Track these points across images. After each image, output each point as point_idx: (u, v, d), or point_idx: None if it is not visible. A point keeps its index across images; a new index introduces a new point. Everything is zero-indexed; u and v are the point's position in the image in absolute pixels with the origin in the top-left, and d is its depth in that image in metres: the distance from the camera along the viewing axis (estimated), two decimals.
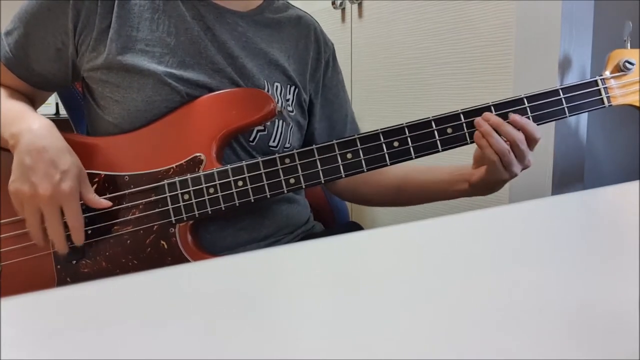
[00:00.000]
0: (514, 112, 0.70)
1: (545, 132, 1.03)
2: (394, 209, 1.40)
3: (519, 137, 0.68)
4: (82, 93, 0.79)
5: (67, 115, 0.98)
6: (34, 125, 0.66)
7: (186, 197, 0.69)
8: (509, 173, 0.70)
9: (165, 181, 0.69)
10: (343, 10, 1.49)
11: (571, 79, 1.01)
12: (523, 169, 0.70)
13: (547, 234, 0.35)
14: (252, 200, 0.69)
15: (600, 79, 0.72)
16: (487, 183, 0.74)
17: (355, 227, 0.92)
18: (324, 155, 0.70)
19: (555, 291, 0.25)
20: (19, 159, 0.63)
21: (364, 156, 0.70)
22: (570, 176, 1.06)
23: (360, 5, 1.43)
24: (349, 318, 0.23)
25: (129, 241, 0.69)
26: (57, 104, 2.13)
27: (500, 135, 0.68)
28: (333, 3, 1.48)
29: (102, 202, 0.68)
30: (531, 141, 0.69)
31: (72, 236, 0.65)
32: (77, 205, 0.65)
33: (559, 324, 0.21)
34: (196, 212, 0.69)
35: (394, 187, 0.86)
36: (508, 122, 0.68)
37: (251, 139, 0.76)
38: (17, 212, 0.65)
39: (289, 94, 0.82)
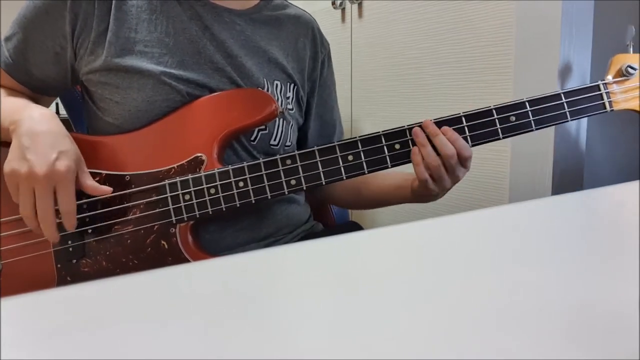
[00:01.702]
0: (516, 115, 0.70)
1: (545, 133, 1.03)
2: (394, 209, 1.40)
3: (451, 151, 0.68)
4: (81, 95, 0.79)
5: (67, 115, 0.98)
6: (35, 113, 0.66)
7: (187, 197, 0.69)
8: (440, 187, 0.71)
9: (167, 181, 0.69)
10: (343, 10, 1.49)
11: (571, 79, 1.02)
12: (454, 183, 0.71)
13: (547, 234, 0.35)
14: (253, 201, 0.69)
15: (603, 84, 0.72)
16: (421, 194, 0.75)
17: (355, 227, 0.92)
18: (326, 157, 0.70)
19: (555, 291, 0.25)
20: (18, 141, 0.63)
21: (365, 158, 0.70)
22: (570, 177, 1.06)
23: (360, 5, 1.43)
24: (348, 318, 0.23)
25: (129, 241, 0.69)
26: (57, 104, 2.12)
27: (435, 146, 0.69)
28: (333, 3, 1.48)
29: (102, 188, 0.67)
30: (461, 158, 0.69)
31: (64, 220, 0.63)
32: (72, 188, 0.63)
33: (559, 324, 0.21)
34: (197, 213, 0.69)
35: (355, 188, 0.88)
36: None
37: (252, 138, 0.76)
38: (12, 197, 0.64)
39: (289, 91, 0.82)
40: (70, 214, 0.63)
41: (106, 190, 0.67)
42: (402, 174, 0.80)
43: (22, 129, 0.64)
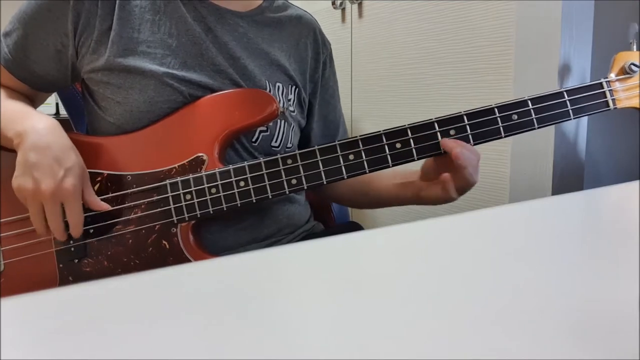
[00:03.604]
0: (518, 114, 0.69)
1: (546, 132, 1.03)
2: (394, 209, 1.40)
3: (473, 161, 0.69)
4: (82, 94, 0.79)
5: (67, 115, 0.98)
6: (39, 124, 0.66)
7: (188, 197, 0.69)
8: (458, 194, 0.71)
9: (168, 181, 0.69)
10: (343, 10, 1.49)
11: (571, 79, 1.02)
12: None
13: (547, 234, 0.35)
14: (254, 201, 0.69)
15: (606, 82, 0.71)
16: (428, 199, 0.75)
17: (355, 227, 0.92)
18: (326, 156, 0.70)
19: (555, 291, 0.25)
20: (24, 156, 0.63)
21: (366, 157, 0.70)
22: (570, 177, 1.06)
23: (360, 5, 1.43)
24: (348, 318, 0.23)
25: (130, 240, 0.69)
26: (57, 104, 2.13)
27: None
28: (333, 3, 1.49)
29: (103, 205, 0.68)
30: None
31: (71, 230, 0.66)
32: (79, 203, 0.65)
33: (559, 324, 0.21)
34: (198, 212, 0.69)
35: (360, 188, 0.88)
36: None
37: (254, 140, 0.76)
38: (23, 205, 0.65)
39: (291, 93, 0.82)
40: (78, 226, 0.66)
41: (106, 206, 0.68)
42: (407, 174, 0.80)
43: (28, 143, 0.64)
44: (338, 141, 0.70)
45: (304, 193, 0.89)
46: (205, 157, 0.70)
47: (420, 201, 0.77)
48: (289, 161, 0.69)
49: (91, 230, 0.69)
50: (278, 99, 0.79)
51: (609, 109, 0.71)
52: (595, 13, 1.04)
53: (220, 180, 0.69)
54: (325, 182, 0.70)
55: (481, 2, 1.12)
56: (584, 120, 1.06)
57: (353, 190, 0.89)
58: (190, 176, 0.69)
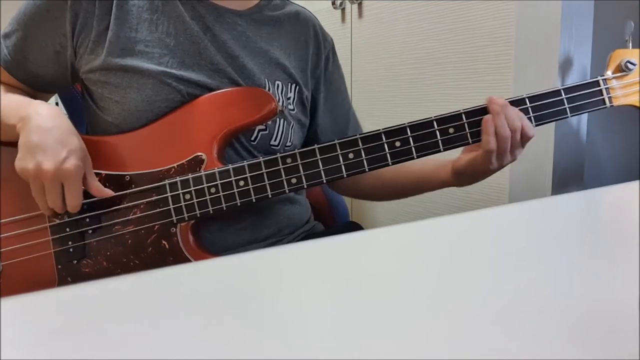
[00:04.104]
0: None
1: (545, 132, 1.03)
2: (394, 209, 1.40)
3: (519, 125, 0.68)
4: (82, 94, 0.79)
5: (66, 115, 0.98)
6: (41, 109, 0.66)
7: (187, 196, 0.69)
8: (499, 163, 0.70)
9: (167, 181, 0.69)
10: (343, 10, 1.49)
11: (571, 79, 1.02)
12: (509, 162, 0.71)
13: (547, 234, 0.35)
14: (254, 200, 0.69)
15: (602, 79, 0.72)
16: (474, 171, 0.74)
17: (355, 227, 0.92)
18: (326, 155, 0.70)
19: (555, 291, 0.25)
20: (26, 138, 0.63)
21: (365, 156, 0.70)
22: (570, 176, 1.06)
23: (360, 5, 1.43)
24: (348, 318, 0.23)
25: (130, 241, 0.69)
26: (56, 104, 2.13)
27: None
28: (333, 3, 1.48)
29: (105, 190, 0.68)
30: (525, 136, 0.69)
31: (68, 210, 0.66)
32: (79, 185, 0.65)
33: (559, 323, 0.21)
34: (197, 212, 0.69)
35: (390, 179, 0.87)
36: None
37: (253, 139, 0.76)
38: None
39: (290, 92, 0.82)
40: (76, 208, 0.65)
41: (109, 192, 0.68)
42: (438, 159, 0.79)
43: (30, 125, 0.64)
44: (337, 140, 0.70)
45: (304, 193, 0.89)
46: (204, 157, 0.70)
47: (457, 173, 0.76)
48: (289, 160, 0.69)
49: (90, 231, 0.69)
50: (277, 98, 0.78)
51: (606, 107, 0.72)
52: (595, 13, 1.04)
53: (220, 180, 0.69)
54: (325, 181, 0.70)
55: (481, 2, 1.12)
56: (584, 119, 1.06)
57: (380, 182, 0.88)
58: (190, 176, 0.69)
